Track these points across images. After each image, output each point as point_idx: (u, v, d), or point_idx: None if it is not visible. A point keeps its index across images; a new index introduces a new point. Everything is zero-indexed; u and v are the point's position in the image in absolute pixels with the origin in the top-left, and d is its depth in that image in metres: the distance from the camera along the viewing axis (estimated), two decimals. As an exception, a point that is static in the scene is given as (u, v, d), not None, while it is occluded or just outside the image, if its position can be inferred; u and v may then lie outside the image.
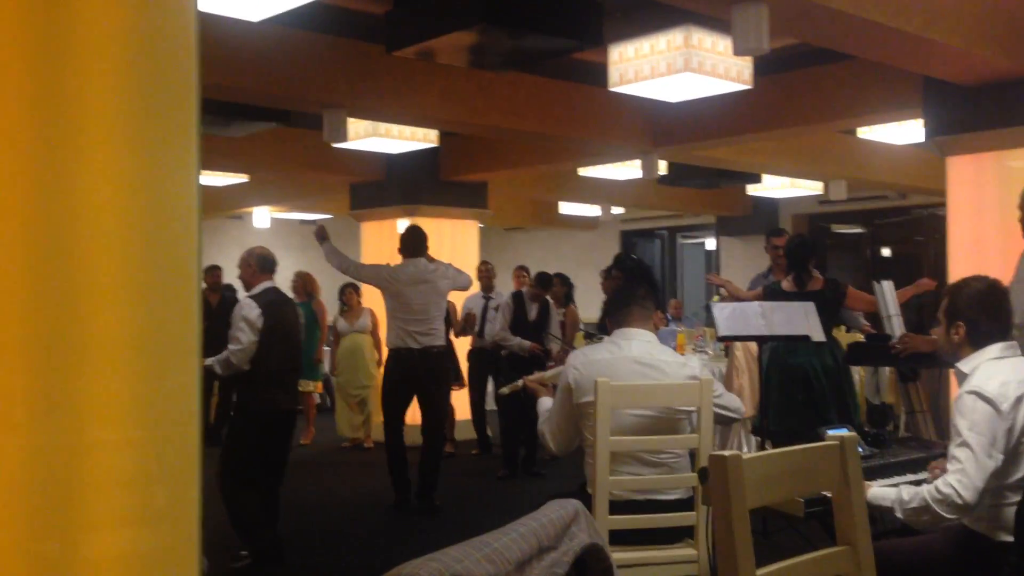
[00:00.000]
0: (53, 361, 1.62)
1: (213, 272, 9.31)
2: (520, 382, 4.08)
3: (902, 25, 4.61)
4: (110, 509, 1.70)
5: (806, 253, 5.78)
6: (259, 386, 5.01)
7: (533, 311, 7.67)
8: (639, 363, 3.41)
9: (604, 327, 6.62)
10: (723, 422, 3.72)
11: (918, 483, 2.90)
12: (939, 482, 2.70)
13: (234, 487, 4.99)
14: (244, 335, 4.91)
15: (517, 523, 1.18)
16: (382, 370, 7.27)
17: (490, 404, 8.66)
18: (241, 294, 5.49)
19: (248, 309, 4.95)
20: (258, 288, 5.11)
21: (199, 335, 1.81)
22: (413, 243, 6.45)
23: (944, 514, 2.69)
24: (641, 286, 3.65)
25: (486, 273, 8.60)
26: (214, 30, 5.15)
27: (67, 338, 1.64)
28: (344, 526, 6.13)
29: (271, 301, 5.06)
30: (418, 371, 6.32)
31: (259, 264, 5.17)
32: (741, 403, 3.68)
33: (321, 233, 6.48)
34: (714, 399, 3.38)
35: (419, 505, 6.37)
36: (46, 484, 1.62)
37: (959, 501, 2.65)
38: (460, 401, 8.94)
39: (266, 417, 5.04)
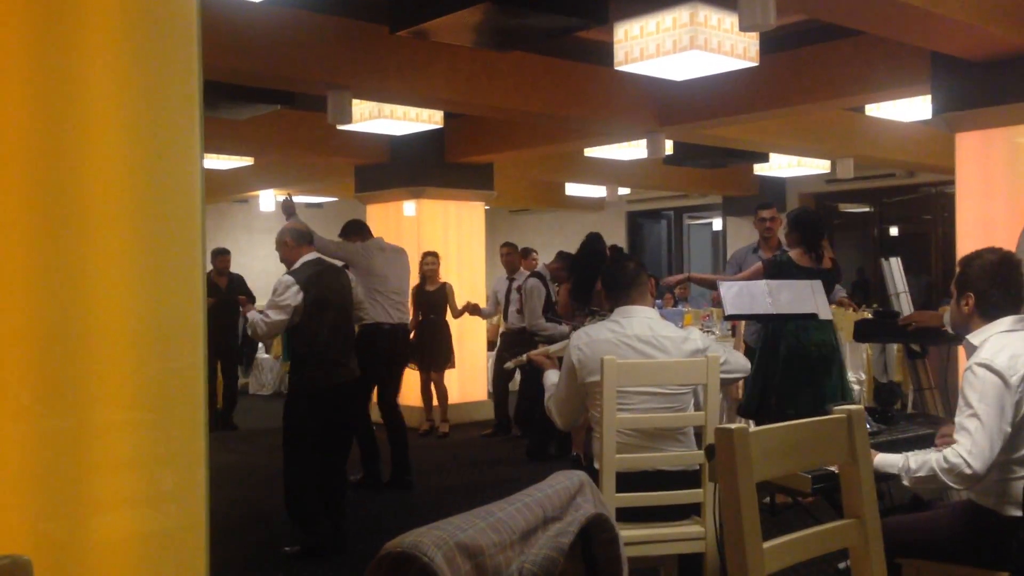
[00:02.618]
0: (59, 345, 1.63)
1: (223, 256, 9.29)
2: (524, 356, 4.09)
3: (909, -1, 4.57)
4: (117, 490, 1.71)
5: (822, 228, 5.66)
6: (308, 363, 4.94)
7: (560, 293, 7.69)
8: (641, 340, 3.42)
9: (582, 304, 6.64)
10: (731, 382, 3.74)
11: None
12: (948, 451, 2.69)
13: (295, 472, 4.93)
14: (275, 313, 4.82)
15: (522, 493, 1.18)
16: None
17: (514, 386, 8.63)
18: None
19: (282, 290, 4.84)
20: (299, 263, 4.99)
21: (203, 318, 1.81)
22: (365, 228, 6.63)
23: (952, 484, 2.68)
24: (631, 261, 3.66)
25: (508, 255, 8.55)
26: (216, 12, 5.13)
27: (72, 322, 1.64)
28: (348, 504, 6.14)
29: (313, 274, 4.93)
30: (396, 345, 6.48)
31: (295, 237, 5.06)
32: (746, 360, 3.67)
33: (288, 208, 6.13)
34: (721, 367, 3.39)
35: (398, 482, 6.44)
36: (54, 466, 1.63)
37: (968, 471, 2.64)
38: (464, 380, 8.98)
39: (318, 394, 4.94)
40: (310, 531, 4.94)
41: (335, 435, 5.08)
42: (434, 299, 8.30)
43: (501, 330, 8.56)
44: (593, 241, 7.17)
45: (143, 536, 1.76)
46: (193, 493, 1.81)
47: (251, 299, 9.18)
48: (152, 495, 1.77)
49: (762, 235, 6.40)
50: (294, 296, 4.82)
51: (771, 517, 4.79)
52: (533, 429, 7.53)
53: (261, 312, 4.95)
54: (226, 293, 8.88)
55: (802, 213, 5.82)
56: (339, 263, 5.89)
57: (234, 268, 9.53)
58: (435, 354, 8.40)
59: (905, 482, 2.78)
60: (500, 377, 8.52)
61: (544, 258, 8.93)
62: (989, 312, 2.86)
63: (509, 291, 8.30)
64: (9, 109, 1.59)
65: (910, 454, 2.82)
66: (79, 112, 1.65)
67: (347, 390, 5.12)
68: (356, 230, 6.57)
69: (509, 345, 8.10)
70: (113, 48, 1.69)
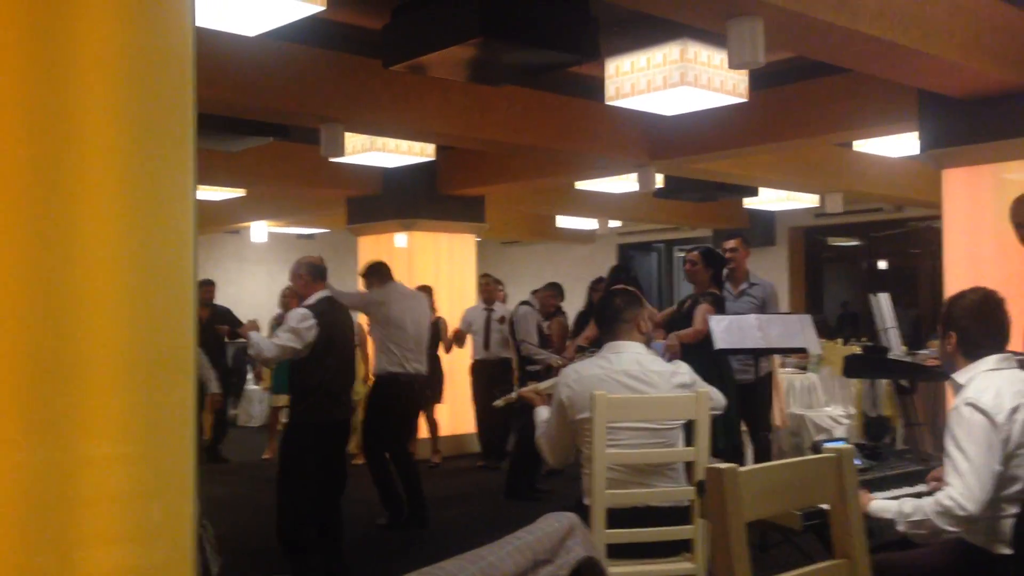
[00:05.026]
0: (47, 377, 1.62)
1: (206, 288, 9.26)
2: (514, 394, 4.08)
3: (897, 38, 4.63)
4: (105, 525, 1.69)
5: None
6: (312, 398, 4.95)
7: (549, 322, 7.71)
8: (630, 376, 3.41)
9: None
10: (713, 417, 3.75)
11: (918, 495, 2.90)
12: (940, 495, 2.69)
13: (290, 503, 4.90)
14: (290, 338, 4.80)
15: (512, 536, 1.18)
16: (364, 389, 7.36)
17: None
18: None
19: (299, 320, 4.83)
20: (313, 298, 4.99)
21: (194, 351, 1.80)
22: (386, 270, 6.50)
23: (946, 527, 2.67)
24: (617, 296, 3.62)
25: (487, 286, 8.60)
26: (210, 45, 5.14)
27: (61, 354, 1.63)
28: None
29: (326, 311, 4.95)
30: (412, 396, 6.43)
31: (310, 272, 5.06)
32: (722, 396, 3.67)
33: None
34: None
35: (417, 520, 6.34)
36: (40, 499, 1.62)
37: (961, 513, 2.64)
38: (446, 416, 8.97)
39: (320, 429, 4.96)
40: (300, 562, 4.91)
41: (332, 469, 5.07)
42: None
43: (478, 357, 8.52)
44: (624, 277, 6.94)
45: (130, 571, 1.74)
46: (181, 527, 1.80)
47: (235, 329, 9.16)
48: (140, 529, 1.75)
49: (727, 266, 6.42)
50: (308, 329, 4.81)
51: (761, 553, 4.77)
52: (511, 469, 7.38)
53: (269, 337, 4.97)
54: (208, 325, 8.82)
55: (712, 251, 6.10)
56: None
57: (226, 298, 9.51)
58: (428, 388, 8.39)
59: (900, 528, 2.76)
60: (481, 408, 8.52)
61: (528, 289, 8.97)
62: (972, 350, 2.87)
63: (489, 321, 8.32)
64: (0, 139, 1.59)
65: (904, 499, 2.81)
66: (72, 144, 1.65)
67: (346, 425, 5.19)
68: (376, 272, 6.45)
69: (493, 376, 8.09)
70: (108, 80, 1.69)
